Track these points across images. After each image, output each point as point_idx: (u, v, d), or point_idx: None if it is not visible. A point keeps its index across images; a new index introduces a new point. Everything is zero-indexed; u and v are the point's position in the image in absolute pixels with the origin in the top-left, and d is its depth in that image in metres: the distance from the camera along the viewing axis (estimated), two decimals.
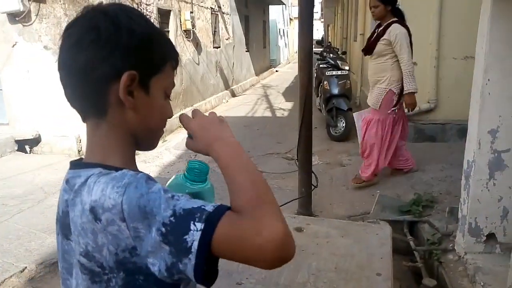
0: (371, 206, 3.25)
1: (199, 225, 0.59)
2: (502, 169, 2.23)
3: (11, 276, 2.63)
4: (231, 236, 0.59)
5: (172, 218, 0.60)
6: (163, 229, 0.60)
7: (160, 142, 6.59)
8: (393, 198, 3.36)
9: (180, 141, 5.96)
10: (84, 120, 0.76)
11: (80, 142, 5.36)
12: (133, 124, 0.74)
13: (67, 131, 5.29)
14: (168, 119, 0.81)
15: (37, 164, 4.90)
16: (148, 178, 0.66)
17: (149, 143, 0.81)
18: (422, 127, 4.96)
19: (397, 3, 3.64)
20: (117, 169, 0.69)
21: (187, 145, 0.81)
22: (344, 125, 5.76)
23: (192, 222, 0.59)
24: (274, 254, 0.57)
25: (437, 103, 4.89)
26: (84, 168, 0.73)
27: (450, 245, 2.50)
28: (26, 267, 2.72)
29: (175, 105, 6.74)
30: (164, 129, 0.82)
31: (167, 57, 0.77)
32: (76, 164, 0.76)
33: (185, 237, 0.59)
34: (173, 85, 0.81)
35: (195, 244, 0.58)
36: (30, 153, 5.51)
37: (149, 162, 5.01)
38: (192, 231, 0.59)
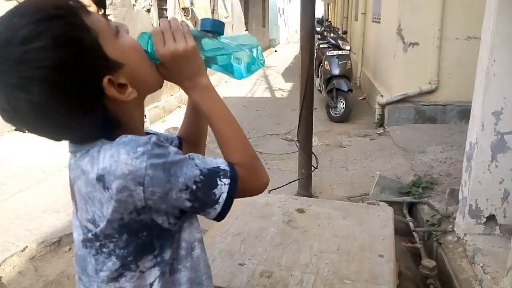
0: (371, 187, 3.25)
1: (226, 181, 0.70)
2: (505, 151, 2.21)
3: (12, 255, 2.64)
4: (243, 186, 0.73)
5: (201, 177, 0.68)
6: (194, 187, 0.67)
7: (159, 122, 6.51)
8: (392, 180, 3.36)
9: (179, 121, 5.89)
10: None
11: None
12: (140, 93, 0.70)
13: None
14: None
15: (35, 143, 4.86)
16: (159, 140, 0.66)
17: (156, 86, 0.77)
18: (422, 108, 4.93)
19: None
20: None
21: (159, 71, 0.75)
22: (344, 106, 5.73)
23: (218, 178, 0.70)
24: (264, 190, 0.80)
25: (438, 84, 4.85)
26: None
27: (450, 226, 2.51)
28: (27, 246, 2.73)
29: (173, 85, 6.64)
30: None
31: (79, 33, 0.62)
32: None
33: (213, 191, 0.69)
34: (104, 22, 0.67)
35: (224, 195, 0.70)
36: (28, 132, 5.46)
37: None
38: (220, 186, 0.70)
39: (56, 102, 0.61)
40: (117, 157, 0.62)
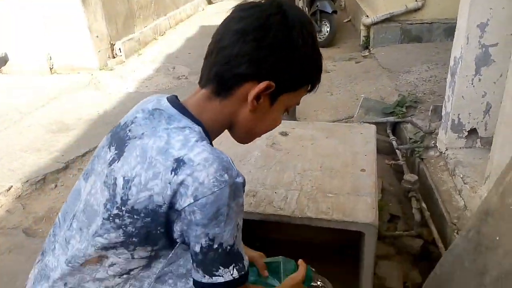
0: (355, 110, 3.24)
1: (235, 274, 0.72)
2: (489, 64, 2.17)
3: None
4: None
5: (228, 247, 0.70)
6: (216, 243, 0.69)
7: (135, 56, 6.22)
8: (377, 101, 3.34)
9: (156, 54, 5.68)
10: (202, 86, 0.79)
11: (50, 59, 5.04)
12: (242, 119, 0.80)
13: (36, 49, 4.94)
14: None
15: (8, 84, 4.65)
16: (243, 185, 0.73)
17: (242, 138, 0.88)
18: (408, 27, 4.79)
19: None
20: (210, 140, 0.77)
21: None
22: (328, 29, 5.53)
23: (233, 265, 0.72)
24: None
25: (425, 1, 4.66)
26: (189, 117, 0.75)
27: (432, 142, 2.55)
28: (12, 186, 2.72)
29: (147, 15, 6.26)
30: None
31: (308, 80, 0.81)
32: (180, 106, 0.77)
33: (219, 265, 0.71)
34: (298, 103, 0.86)
35: (220, 279, 0.71)
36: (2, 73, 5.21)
37: (126, 77, 4.81)
38: (228, 270, 0.71)
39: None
40: (207, 166, 0.68)
